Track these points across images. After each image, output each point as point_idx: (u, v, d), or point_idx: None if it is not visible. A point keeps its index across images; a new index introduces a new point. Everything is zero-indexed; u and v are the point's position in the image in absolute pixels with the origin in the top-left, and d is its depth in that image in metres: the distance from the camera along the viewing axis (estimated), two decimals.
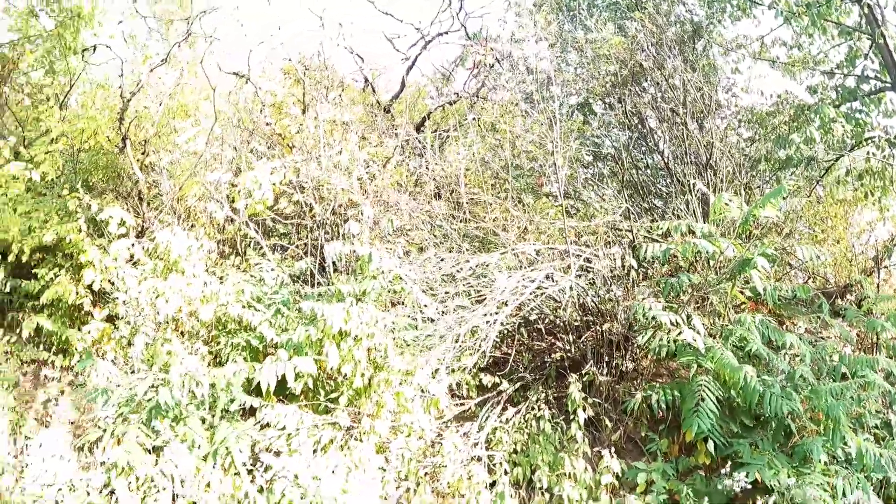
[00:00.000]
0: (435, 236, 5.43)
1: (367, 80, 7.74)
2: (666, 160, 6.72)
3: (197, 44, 6.53)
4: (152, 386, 4.20)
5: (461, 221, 5.49)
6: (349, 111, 6.04)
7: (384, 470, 4.66)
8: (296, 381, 4.31)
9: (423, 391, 4.82)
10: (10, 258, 5.91)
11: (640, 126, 7.03)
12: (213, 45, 6.12)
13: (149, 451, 4.32)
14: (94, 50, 6.47)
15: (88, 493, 4.58)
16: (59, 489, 4.68)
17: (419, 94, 8.35)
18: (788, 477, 4.43)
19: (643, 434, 5.41)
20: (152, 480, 4.37)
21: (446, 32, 7.77)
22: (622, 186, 6.33)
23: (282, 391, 4.52)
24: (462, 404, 5.39)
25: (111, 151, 6.36)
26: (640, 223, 5.96)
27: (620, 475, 4.86)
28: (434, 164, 5.88)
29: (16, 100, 8.07)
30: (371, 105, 7.28)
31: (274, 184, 5.12)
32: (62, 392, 5.52)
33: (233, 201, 5.47)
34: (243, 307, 4.64)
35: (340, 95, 6.43)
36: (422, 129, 6.98)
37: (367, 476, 4.51)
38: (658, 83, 6.69)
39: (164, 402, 4.17)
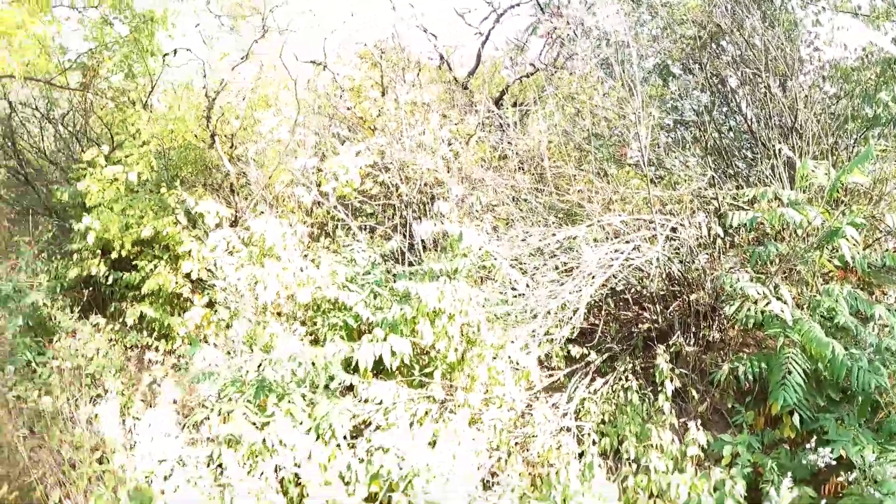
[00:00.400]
0: (521, 210, 5.44)
1: (442, 58, 7.76)
2: (749, 122, 6.53)
3: (271, 36, 6.68)
4: (259, 366, 4.39)
5: (546, 195, 5.48)
6: (428, 91, 6.09)
7: (477, 440, 4.75)
8: (392, 358, 4.43)
9: (514, 364, 4.88)
10: (114, 255, 6.25)
11: (720, 86, 6.82)
12: (288, 36, 6.27)
13: (255, 427, 4.52)
14: (175, 53, 6.71)
15: (197, 468, 4.86)
16: (172, 465, 4.97)
17: (495, 68, 8.31)
18: (873, 453, 4.32)
19: (729, 406, 5.34)
20: (258, 454, 4.60)
21: (518, 4, 7.70)
22: (706, 152, 6.19)
23: (377, 367, 4.66)
24: (551, 375, 5.44)
25: (198, 147, 6.61)
26: (726, 190, 5.83)
27: (706, 447, 4.82)
28: (516, 139, 5.87)
29: (100, 104, 8.45)
30: (448, 82, 7.31)
31: (360, 167, 5.23)
32: (166, 374, 5.82)
33: (319, 185, 5.62)
34: (339, 289, 4.78)
35: (418, 75, 6.48)
36: (500, 103, 6.98)
37: (461, 447, 4.61)
38: (737, 43, 6.48)
39: (270, 381, 4.37)
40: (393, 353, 4.42)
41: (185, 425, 5.25)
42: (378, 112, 6.27)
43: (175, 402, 5.44)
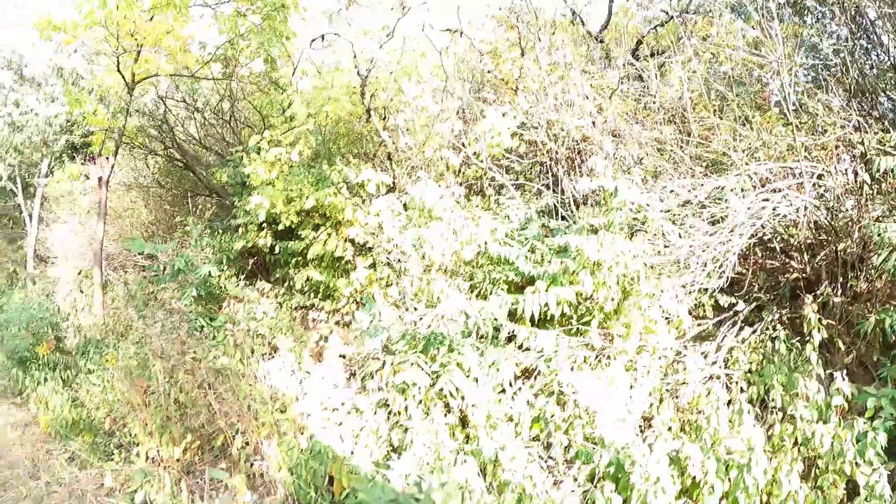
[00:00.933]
0: (667, 162, 5.53)
1: (574, 13, 7.78)
2: (892, 59, 6.25)
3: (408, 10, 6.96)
4: (432, 319, 4.76)
5: (691, 145, 5.50)
6: (565, 48, 6.17)
7: (632, 386, 4.92)
8: (557, 307, 4.69)
9: (665, 313, 5.04)
10: (281, 227, 6.81)
11: (858, 18, 6.49)
12: (425, 9, 6.52)
13: (428, 375, 4.90)
14: (323, 38, 7.12)
15: (375, 413, 5.30)
16: (348, 412, 5.43)
17: (627, 19, 8.22)
18: None
19: (875, 358, 5.26)
20: (431, 400, 5.00)
21: None
22: (849, 95, 5.99)
23: (540, 317, 4.90)
24: (700, 324, 5.54)
25: (348, 121, 7.05)
26: (871, 133, 5.66)
27: (850, 398, 4.77)
28: (658, 91, 5.89)
29: (246, 91, 9.11)
30: (582, 37, 7.34)
31: (509, 127, 5.43)
32: (331, 331, 6.33)
33: (466, 147, 5.88)
34: (501, 245, 5.08)
35: (553, 34, 6.57)
36: (636, 54, 6.95)
37: (618, 392, 4.82)
38: None
39: (440, 334, 4.73)
40: (557, 303, 4.68)
41: (356, 376, 5.72)
42: (519, 73, 6.48)
43: (343, 356, 5.91)
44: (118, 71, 9.24)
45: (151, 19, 8.58)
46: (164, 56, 9.05)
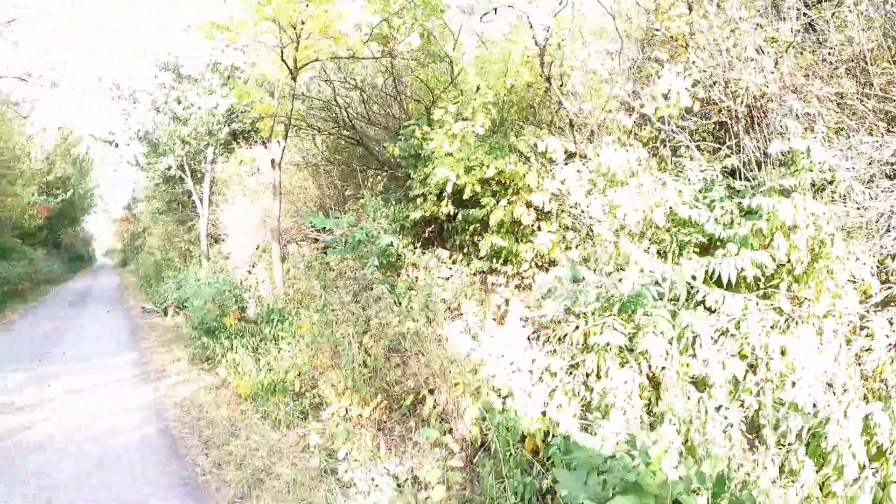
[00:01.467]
0: (848, 118, 5.38)
1: None
2: None
3: None
4: (631, 283, 4.98)
5: (873, 100, 5.29)
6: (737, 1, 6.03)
7: (836, 355, 4.92)
8: (753, 268, 4.81)
9: (853, 277, 5.01)
10: (465, 196, 7.22)
11: None
12: None
13: (624, 336, 5.10)
14: (496, 11, 7.41)
15: (568, 373, 5.53)
16: (540, 374, 5.61)
17: None
18: None
19: None
20: (626, 361, 5.21)
21: None
22: None
23: (720, 280, 5.00)
24: (887, 288, 5.47)
25: (523, 90, 7.32)
26: None
27: None
28: (837, 42, 5.66)
29: (408, 66, 9.60)
30: None
31: (687, 87, 5.48)
32: (512, 294, 6.66)
33: (641, 107, 5.99)
34: (689, 208, 5.19)
35: None
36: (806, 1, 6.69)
37: (817, 357, 4.80)
38: None
39: (637, 295, 4.96)
40: (753, 264, 4.82)
41: (539, 339, 6.03)
42: (689, 29, 6.33)
43: (525, 319, 6.23)
44: (282, 60, 10.00)
45: (307, 6, 9.24)
46: (326, 41, 9.68)
